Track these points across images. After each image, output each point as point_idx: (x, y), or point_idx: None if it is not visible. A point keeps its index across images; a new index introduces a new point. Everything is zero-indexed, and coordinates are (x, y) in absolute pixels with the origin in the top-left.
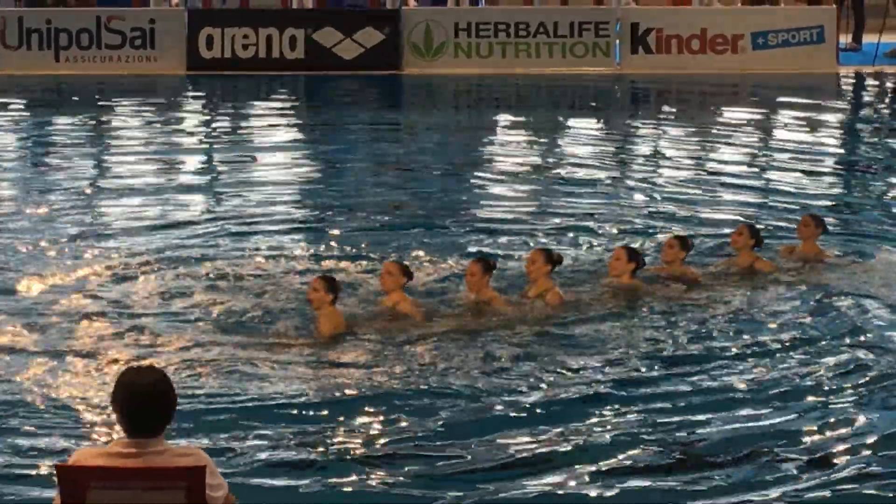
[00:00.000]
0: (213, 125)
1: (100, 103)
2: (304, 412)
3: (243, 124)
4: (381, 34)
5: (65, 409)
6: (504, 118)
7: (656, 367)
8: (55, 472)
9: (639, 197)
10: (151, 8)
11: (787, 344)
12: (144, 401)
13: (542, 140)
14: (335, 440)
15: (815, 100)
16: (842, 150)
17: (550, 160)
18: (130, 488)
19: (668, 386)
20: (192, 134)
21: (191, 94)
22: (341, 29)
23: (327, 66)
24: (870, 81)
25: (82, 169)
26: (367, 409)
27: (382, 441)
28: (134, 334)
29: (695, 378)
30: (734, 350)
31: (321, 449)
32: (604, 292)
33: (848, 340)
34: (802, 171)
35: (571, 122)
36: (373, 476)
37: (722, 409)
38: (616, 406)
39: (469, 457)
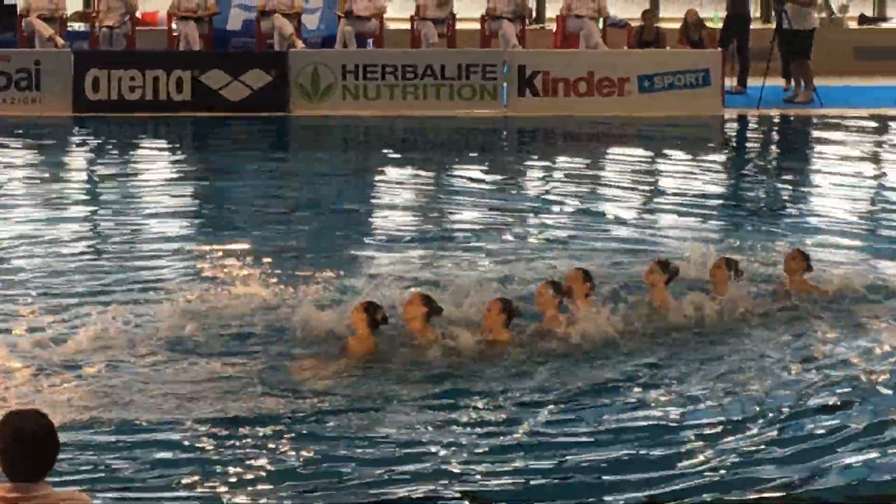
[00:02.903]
0: (100, 167)
1: None
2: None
3: (130, 166)
4: (268, 76)
5: None
6: (392, 160)
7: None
8: None
9: (527, 236)
10: (37, 49)
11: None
12: (27, 446)
13: (429, 181)
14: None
15: (701, 141)
16: (727, 191)
17: (437, 201)
18: None
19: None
20: (77, 176)
21: (77, 136)
22: (228, 71)
23: (215, 107)
24: (754, 124)
25: None
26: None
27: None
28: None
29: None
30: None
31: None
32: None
33: None
34: (687, 211)
35: (459, 163)
36: None
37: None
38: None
39: None
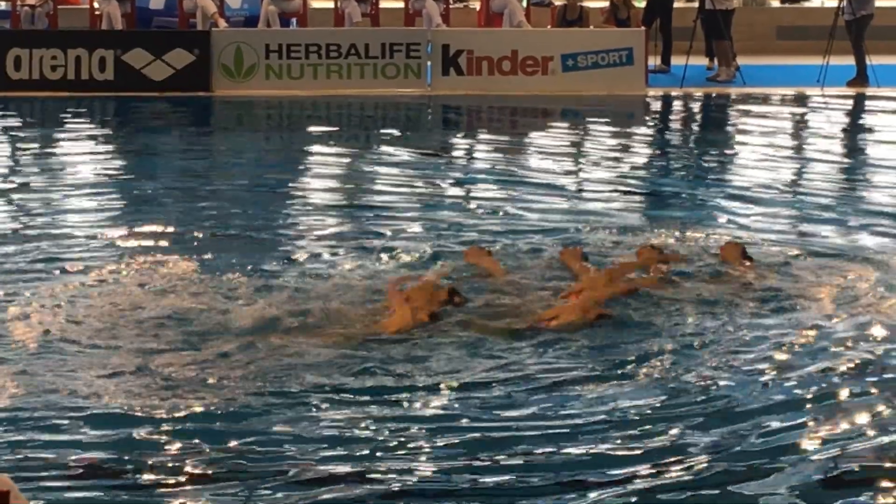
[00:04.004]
0: (21, 147)
1: None
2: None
3: (52, 146)
4: (191, 55)
5: None
6: (316, 139)
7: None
8: None
9: (450, 215)
10: None
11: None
12: None
13: (353, 161)
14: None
15: (624, 120)
16: (651, 170)
17: (362, 180)
18: None
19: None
20: None
21: None
22: (151, 50)
23: (137, 87)
24: (677, 103)
25: None
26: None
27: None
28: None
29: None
30: None
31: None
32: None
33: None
34: (611, 190)
35: (383, 142)
36: None
37: None
38: None
39: None
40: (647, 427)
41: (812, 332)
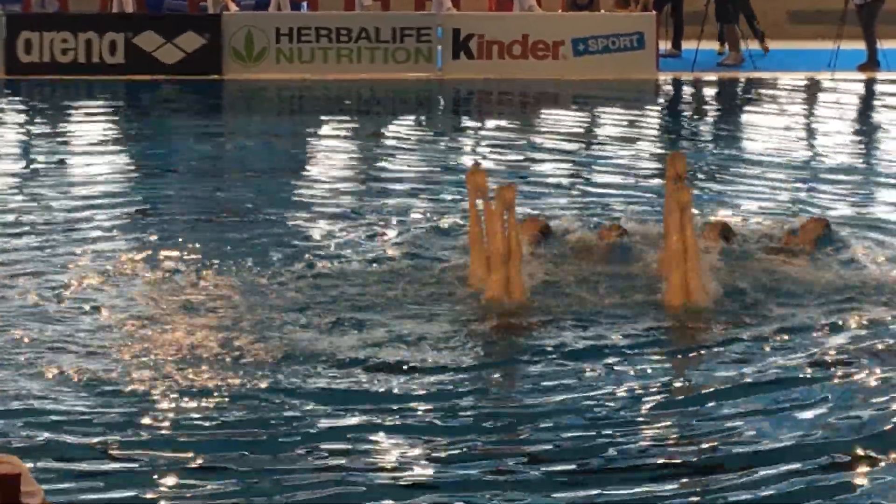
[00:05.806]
0: (33, 130)
1: None
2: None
3: (63, 129)
4: (202, 39)
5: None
6: (326, 123)
7: None
8: None
9: (459, 198)
10: None
11: None
12: None
13: (363, 144)
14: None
15: (635, 105)
16: (661, 154)
17: (372, 164)
18: None
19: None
20: (10, 139)
21: (9, 99)
22: (162, 33)
23: (148, 70)
24: (689, 87)
25: None
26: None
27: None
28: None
29: None
30: None
31: None
32: None
33: None
34: (622, 173)
35: (393, 126)
36: None
37: None
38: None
39: None
40: (666, 418)
41: (828, 317)
